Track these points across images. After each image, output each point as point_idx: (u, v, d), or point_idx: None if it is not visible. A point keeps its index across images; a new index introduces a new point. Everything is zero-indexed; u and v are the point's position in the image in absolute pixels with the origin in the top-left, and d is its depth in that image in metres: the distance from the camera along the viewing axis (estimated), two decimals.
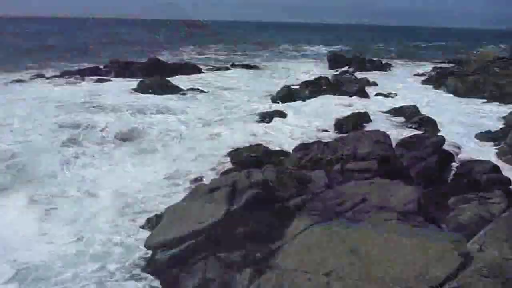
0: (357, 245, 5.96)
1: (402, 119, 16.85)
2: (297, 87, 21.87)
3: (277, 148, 13.16)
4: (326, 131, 15.61)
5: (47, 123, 15.53)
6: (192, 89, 23.03)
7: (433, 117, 16.35)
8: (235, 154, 12.45)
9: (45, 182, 10.68)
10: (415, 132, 14.28)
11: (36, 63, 34.14)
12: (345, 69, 33.16)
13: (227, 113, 18.34)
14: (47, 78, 26.44)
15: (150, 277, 7.00)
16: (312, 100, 20.14)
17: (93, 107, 18.36)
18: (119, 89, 23.14)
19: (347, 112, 17.36)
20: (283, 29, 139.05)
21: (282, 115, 17.63)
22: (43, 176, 11.01)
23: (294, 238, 6.67)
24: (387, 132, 11.79)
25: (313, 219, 6.92)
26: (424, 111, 17.77)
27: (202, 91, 22.81)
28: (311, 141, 13.37)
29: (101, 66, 30.01)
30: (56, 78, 26.13)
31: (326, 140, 12.19)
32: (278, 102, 20.14)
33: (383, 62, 37.78)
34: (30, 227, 8.52)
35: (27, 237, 8.14)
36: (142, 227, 8.51)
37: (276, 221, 7.23)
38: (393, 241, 5.92)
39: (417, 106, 18.01)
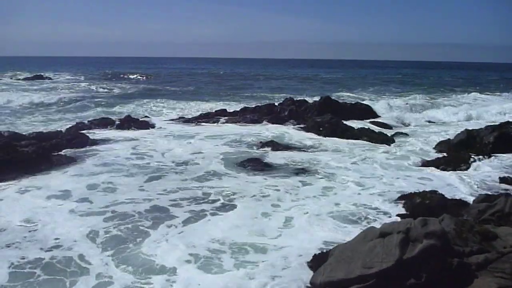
0: None
1: None
2: (480, 131, 19.88)
3: (454, 197, 12.13)
4: None
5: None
6: (363, 129, 22.83)
7: None
8: (408, 199, 11.88)
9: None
10: None
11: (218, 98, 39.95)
12: None
13: (398, 156, 17.78)
14: (229, 113, 29.10)
15: None
16: (497, 147, 18.11)
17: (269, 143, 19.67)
18: (291, 128, 24.38)
19: None
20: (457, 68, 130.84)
21: (460, 160, 16.27)
22: None
23: None
24: None
25: (499, 283, 6.15)
26: None
27: (373, 132, 22.44)
28: (495, 193, 12.09)
29: (276, 103, 31.79)
30: (238, 116, 28.43)
31: None
32: (456, 148, 18.68)
33: None
34: None
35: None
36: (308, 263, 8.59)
37: (453, 278, 6.63)
38: None
39: None
